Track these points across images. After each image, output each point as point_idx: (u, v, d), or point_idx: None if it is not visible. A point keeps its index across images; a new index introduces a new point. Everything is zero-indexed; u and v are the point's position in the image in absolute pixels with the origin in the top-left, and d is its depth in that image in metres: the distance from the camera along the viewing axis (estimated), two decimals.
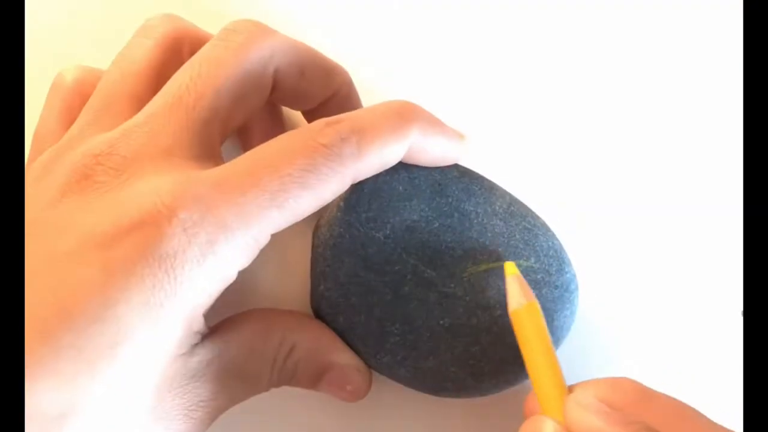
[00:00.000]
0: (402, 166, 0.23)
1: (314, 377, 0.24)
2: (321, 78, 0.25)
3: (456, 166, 0.25)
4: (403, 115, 0.22)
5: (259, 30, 0.23)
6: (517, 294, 0.22)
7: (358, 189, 0.24)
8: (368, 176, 0.22)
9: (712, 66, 0.29)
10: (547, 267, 0.24)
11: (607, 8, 0.30)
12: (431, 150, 0.23)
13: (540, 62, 0.29)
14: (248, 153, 0.21)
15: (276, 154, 0.20)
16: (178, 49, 0.24)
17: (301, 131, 0.21)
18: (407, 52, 0.29)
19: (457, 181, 0.24)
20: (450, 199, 0.24)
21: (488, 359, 0.23)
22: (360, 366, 0.24)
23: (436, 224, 0.24)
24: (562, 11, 0.30)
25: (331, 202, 0.24)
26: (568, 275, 0.24)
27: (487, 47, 0.29)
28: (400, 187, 0.24)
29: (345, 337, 0.24)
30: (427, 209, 0.24)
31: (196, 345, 0.21)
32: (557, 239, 0.25)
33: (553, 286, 0.24)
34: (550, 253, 0.24)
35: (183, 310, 0.19)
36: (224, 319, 0.23)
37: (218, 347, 0.21)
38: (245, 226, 0.19)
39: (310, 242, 0.25)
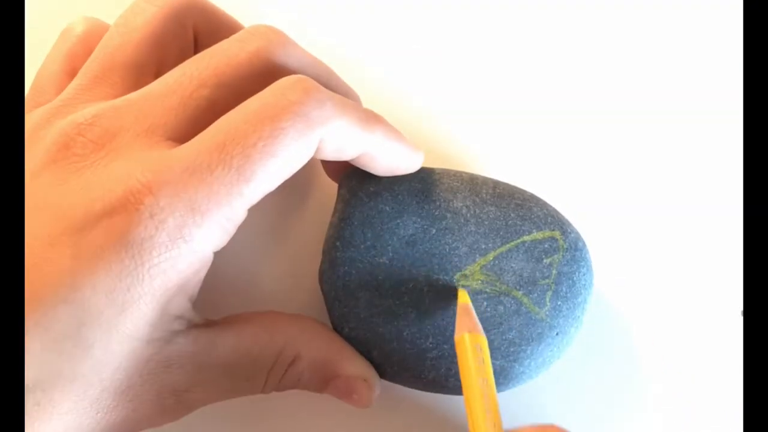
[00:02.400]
0: (383, 188, 0.24)
1: (319, 385, 0.24)
2: None
3: (432, 170, 0.25)
4: (373, 115, 0.22)
5: (277, 38, 0.22)
6: (465, 323, 0.22)
7: (348, 224, 0.24)
8: (333, 148, 0.21)
9: (712, 66, 0.29)
10: (550, 234, 0.24)
11: (607, 8, 0.30)
12: (389, 154, 0.23)
13: (541, 62, 0.29)
14: (217, 123, 0.20)
15: (243, 124, 0.20)
16: (181, 20, 0.23)
17: (272, 90, 0.20)
18: (410, 52, 0.29)
19: (438, 184, 0.24)
20: (437, 203, 0.24)
21: (526, 340, 0.23)
22: (367, 376, 0.24)
23: (433, 230, 0.24)
24: (563, 11, 0.30)
25: (328, 245, 0.24)
26: (572, 235, 0.24)
27: (491, 49, 0.29)
28: (387, 208, 0.24)
29: (386, 367, 0.24)
30: (419, 220, 0.24)
31: (178, 332, 0.21)
32: (550, 205, 0.25)
33: (562, 249, 0.24)
34: (548, 220, 0.24)
35: (153, 295, 0.19)
36: (228, 316, 0.23)
37: (206, 341, 0.21)
38: (216, 207, 0.19)
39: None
